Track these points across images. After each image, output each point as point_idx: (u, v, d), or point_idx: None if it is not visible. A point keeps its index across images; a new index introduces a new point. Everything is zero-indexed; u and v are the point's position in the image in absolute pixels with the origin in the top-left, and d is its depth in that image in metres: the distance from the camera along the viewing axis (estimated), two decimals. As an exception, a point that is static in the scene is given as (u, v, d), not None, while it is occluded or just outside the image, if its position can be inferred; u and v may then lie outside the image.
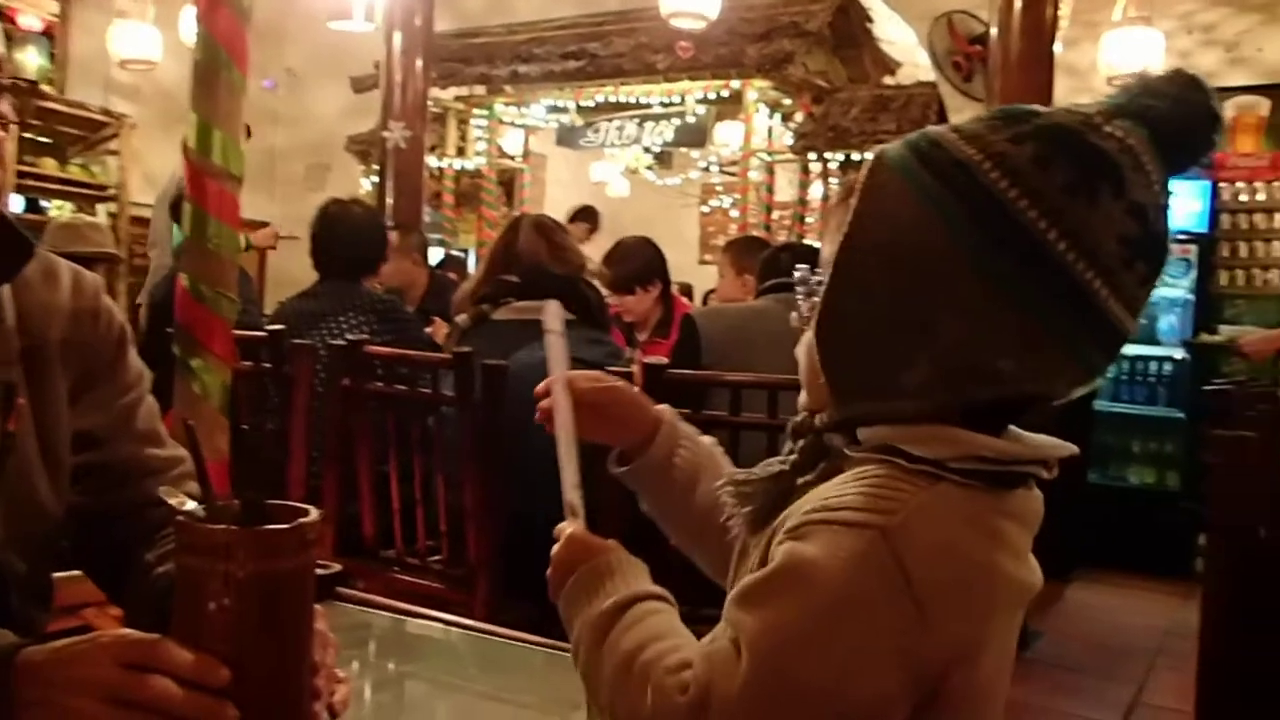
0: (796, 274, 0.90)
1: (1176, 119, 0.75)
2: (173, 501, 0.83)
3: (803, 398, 0.87)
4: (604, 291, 2.90)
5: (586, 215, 6.98)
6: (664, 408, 1.07)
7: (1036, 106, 0.77)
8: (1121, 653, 3.90)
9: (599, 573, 0.83)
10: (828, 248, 0.83)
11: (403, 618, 1.34)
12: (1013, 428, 0.80)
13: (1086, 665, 3.74)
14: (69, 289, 1.11)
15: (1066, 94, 4.40)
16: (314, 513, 0.82)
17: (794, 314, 0.90)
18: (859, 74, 6.60)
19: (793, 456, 0.83)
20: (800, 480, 0.82)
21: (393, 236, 4.15)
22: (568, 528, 0.88)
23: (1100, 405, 4.99)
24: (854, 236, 0.77)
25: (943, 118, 5.84)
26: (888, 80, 6.72)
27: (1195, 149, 0.76)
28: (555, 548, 0.87)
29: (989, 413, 0.76)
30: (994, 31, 3.81)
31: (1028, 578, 0.77)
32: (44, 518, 1.05)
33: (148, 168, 6.95)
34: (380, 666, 1.26)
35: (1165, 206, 0.75)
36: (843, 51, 6.55)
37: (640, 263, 3.65)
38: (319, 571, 1.04)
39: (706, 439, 1.08)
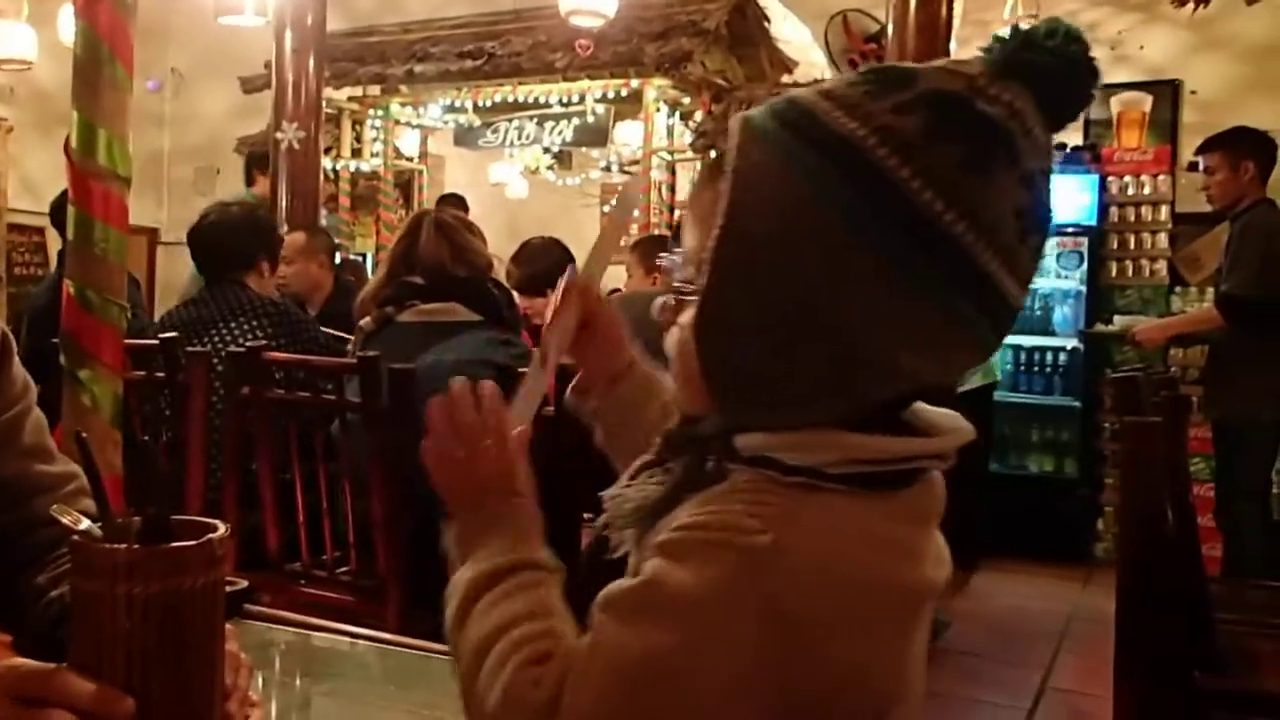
0: (661, 260, 0.86)
1: (1058, 75, 0.70)
2: (66, 520, 0.78)
3: (678, 399, 0.81)
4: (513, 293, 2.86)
5: (454, 203, 6.74)
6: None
7: (909, 65, 0.71)
8: (1027, 638, 4.01)
9: (491, 523, 0.78)
10: (693, 237, 0.76)
11: (312, 632, 1.29)
12: (919, 407, 0.75)
13: (993, 652, 3.84)
14: None
15: (960, 91, 4.50)
16: (222, 527, 0.78)
17: (656, 302, 0.81)
18: (757, 73, 6.67)
19: (672, 474, 0.75)
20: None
21: (299, 238, 4.06)
22: (516, 430, 0.82)
23: (999, 396, 5.13)
24: (732, 224, 0.69)
25: (840, 115, 5.93)
26: (785, 79, 6.80)
27: (1077, 105, 0.72)
28: (485, 440, 0.80)
29: (881, 407, 0.71)
30: (890, 29, 3.88)
31: (926, 577, 0.72)
32: None
33: (26, 173, 6.67)
34: (291, 685, 1.21)
35: (1050, 170, 0.71)
36: (740, 50, 6.60)
37: (549, 263, 3.61)
38: (227, 589, 1.00)
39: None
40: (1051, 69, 0.70)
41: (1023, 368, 5.41)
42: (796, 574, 0.65)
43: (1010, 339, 5.23)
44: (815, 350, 0.68)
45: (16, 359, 1.11)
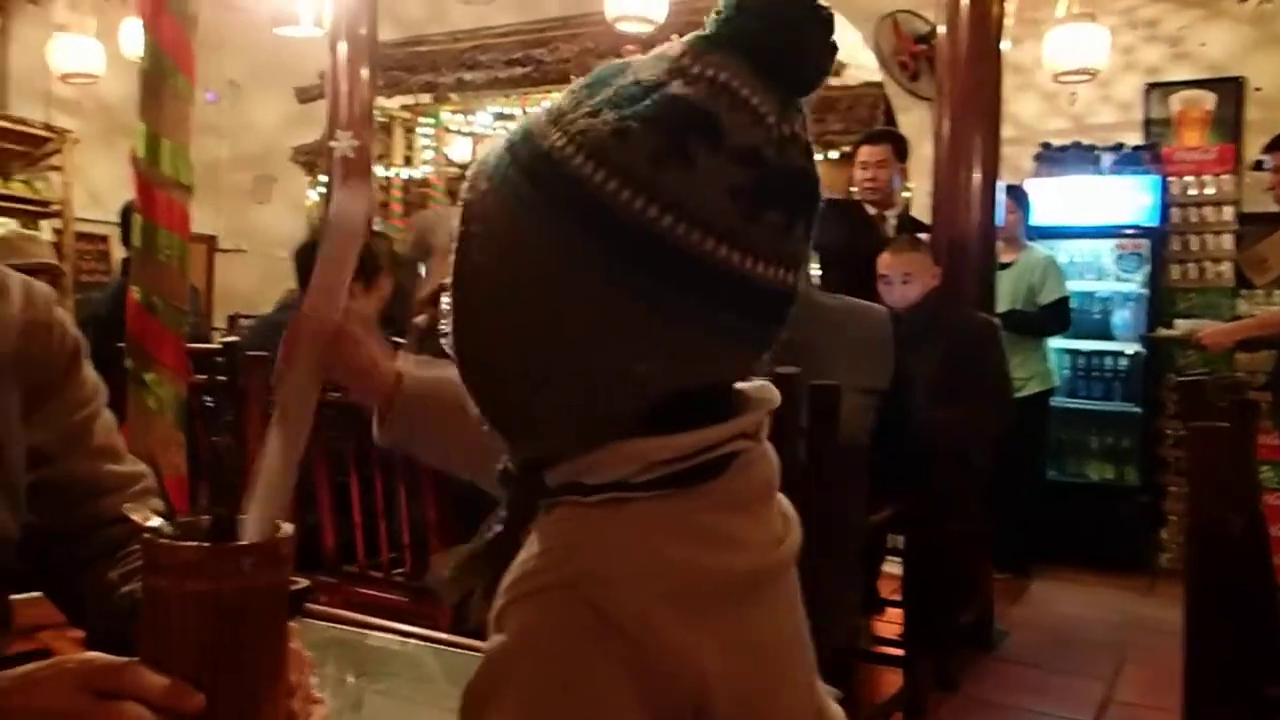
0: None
1: (778, 37, 0.64)
2: (137, 518, 0.80)
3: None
4: None
5: None
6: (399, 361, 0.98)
7: (627, 60, 0.67)
8: (1087, 649, 3.93)
9: None
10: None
11: (367, 632, 1.31)
12: (742, 387, 0.71)
13: (1053, 662, 3.76)
14: (20, 302, 1.07)
15: (1010, 92, 4.44)
16: (287, 527, 0.79)
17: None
18: (806, 77, 6.63)
19: (503, 513, 0.72)
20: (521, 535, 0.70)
21: None
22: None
23: (1057, 402, 5.05)
24: (459, 264, 0.68)
25: (889, 118, 5.89)
26: (834, 81, 6.76)
27: (808, 67, 0.66)
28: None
29: (683, 410, 0.66)
30: (941, 30, 3.84)
31: (754, 560, 0.68)
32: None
33: (90, 183, 6.83)
34: (347, 683, 1.23)
35: (790, 137, 0.65)
36: (790, 54, 6.57)
37: None
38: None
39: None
40: (769, 34, 0.64)
41: (1081, 373, 5.31)
42: (614, 593, 0.62)
43: (1069, 343, 5.21)
44: (553, 375, 0.65)
45: (88, 362, 1.14)
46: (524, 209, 0.64)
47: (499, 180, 0.66)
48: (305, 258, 3.14)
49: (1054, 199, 5.29)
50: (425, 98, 7.38)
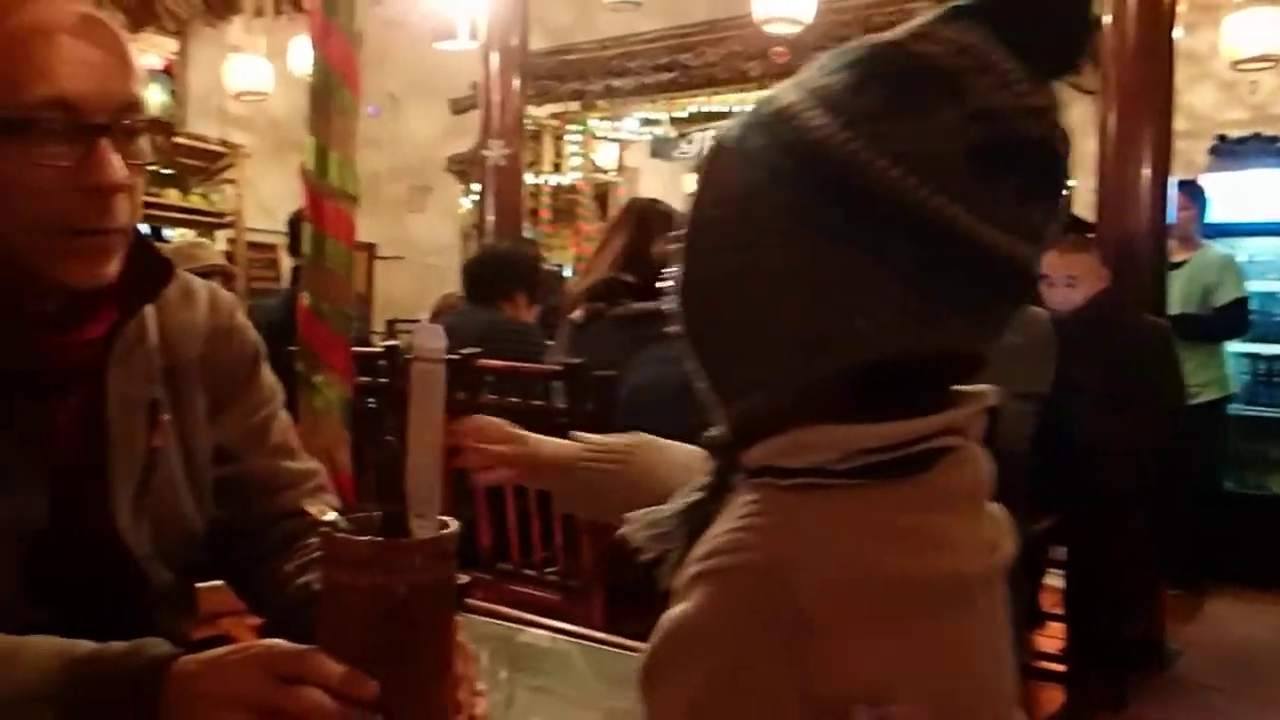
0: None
1: (1027, 8, 0.64)
2: (314, 513, 0.83)
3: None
4: None
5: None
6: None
7: (873, 36, 0.67)
8: (1268, 672, 3.69)
9: None
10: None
11: (521, 628, 1.33)
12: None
13: (1231, 686, 3.54)
14: (206, 308, 1.14)
15: (1186, 81, 4.24)
16: (453, 524, 0.81)
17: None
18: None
19: (706, 481, 0.72)
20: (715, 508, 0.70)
21: None
22: None
23: (1235, 409, 4.77)
24: (693, 221, 0.69)
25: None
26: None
27: (1061, 41, 0.65)
28: None
29: (896, 393, 0.65)
30: (1107, 20, 3.68)
31: (959, 567, 0.65)
32: (187, 530, 1.08)
33: (261, 194, 7.19)
34: (500, 677, 1.25)
35: (1040, 110, 0.63)
36: (943, 49, 6.42)
37: None
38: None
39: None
40: (1013, 4, 0.63)
41: (1262, 379, 5.00)
42: (806, 584, 0.61)
43: (1248, 347, 4.92)
44: (774, 326, 0.65)
45: (266, 365, 1.21)
46: (756, 162, 0.65)
47: (734, 140, 0.67)
48: (473, 269, 3.26)
49: (1231, 194, 5.00)
50: (574, 105, 7.50)
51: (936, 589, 0.64)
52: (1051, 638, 3.38)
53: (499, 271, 3.24)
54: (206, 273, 4.29)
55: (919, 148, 0.61)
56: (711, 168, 0.69)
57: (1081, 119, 4.98)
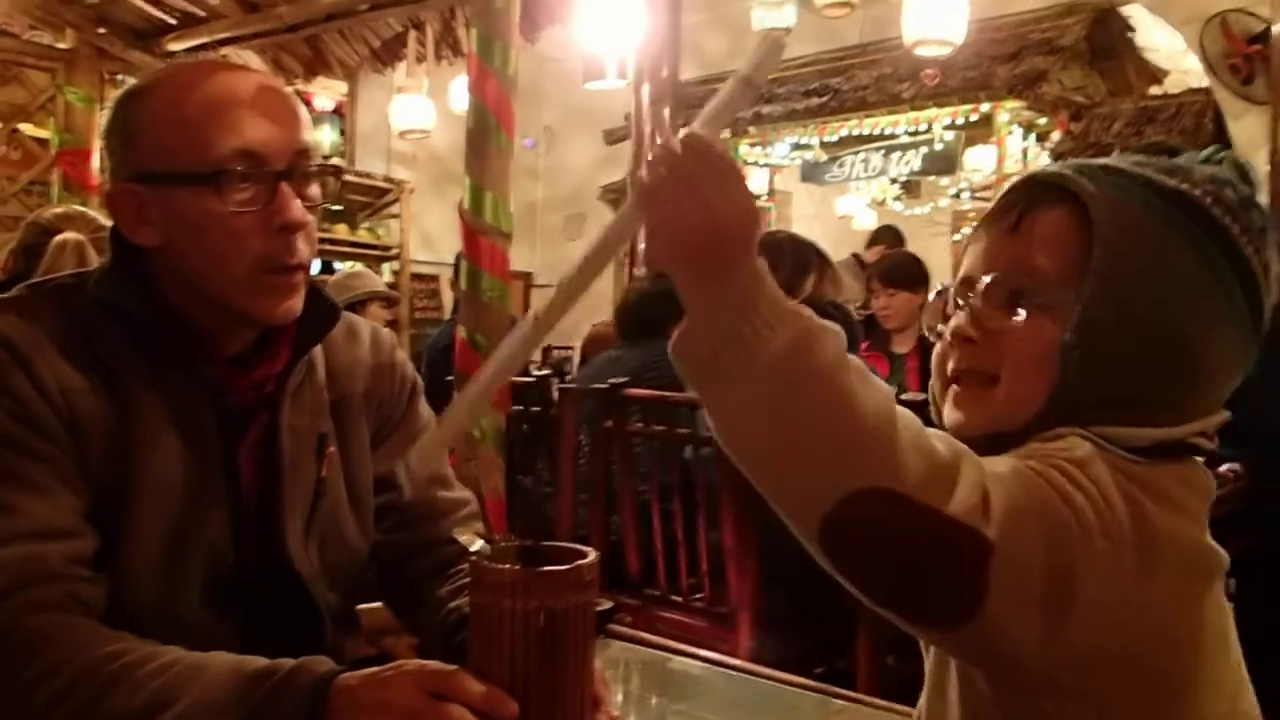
0: (939, 290, 0.90)
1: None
2: (463, 540, 0.90)
3: (961, 417, 0.84)
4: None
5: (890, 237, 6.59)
6: None
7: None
8: None
9: (760, 279, 0.69)
10: (1013, 255, 0.84)
11: (668, 655, 1.36)
12: None
13: None
14: (369, 345, 1.23)
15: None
16: (592, 554, 0.86)
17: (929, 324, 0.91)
18: (1121, 86, 6.24)
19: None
20: None
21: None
22: None
23: None
24: (1106, 255, 0.79)
25: (1219, 125, 5.41)
26: (1154, 90, 6.31)
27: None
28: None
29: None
30: (1276, 29, 3.50)
31: (1202, 540, 0.78)
32: (352, 554, 1.16)
33: (424, 228, 7.51)
34: (648, 704, 1.29)
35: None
36: (1101, 64, 6.21)
37: (915, 265, 3.83)
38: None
39: None
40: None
41: None
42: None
43: None
44: (1172, 369, 0.79)
45: (423, 398, 1.29)
46: (1164, 223, 0.80)
47: (1123, 194, 0.81)
48: (626, 315, 3.26)
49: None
50: (725, 133, 7.55)
51: (1186, 549, 0.76)
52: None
53: (651, 310, 3.22)
54: (366, 299, 4.51)
55: (1270, 262, 0.82)
56: (1108, 213, 0.80)
57: (1255, 132, 4.73)
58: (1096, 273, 0.79)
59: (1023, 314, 0.82)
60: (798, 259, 2.86)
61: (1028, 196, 0.85)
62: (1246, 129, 5.04)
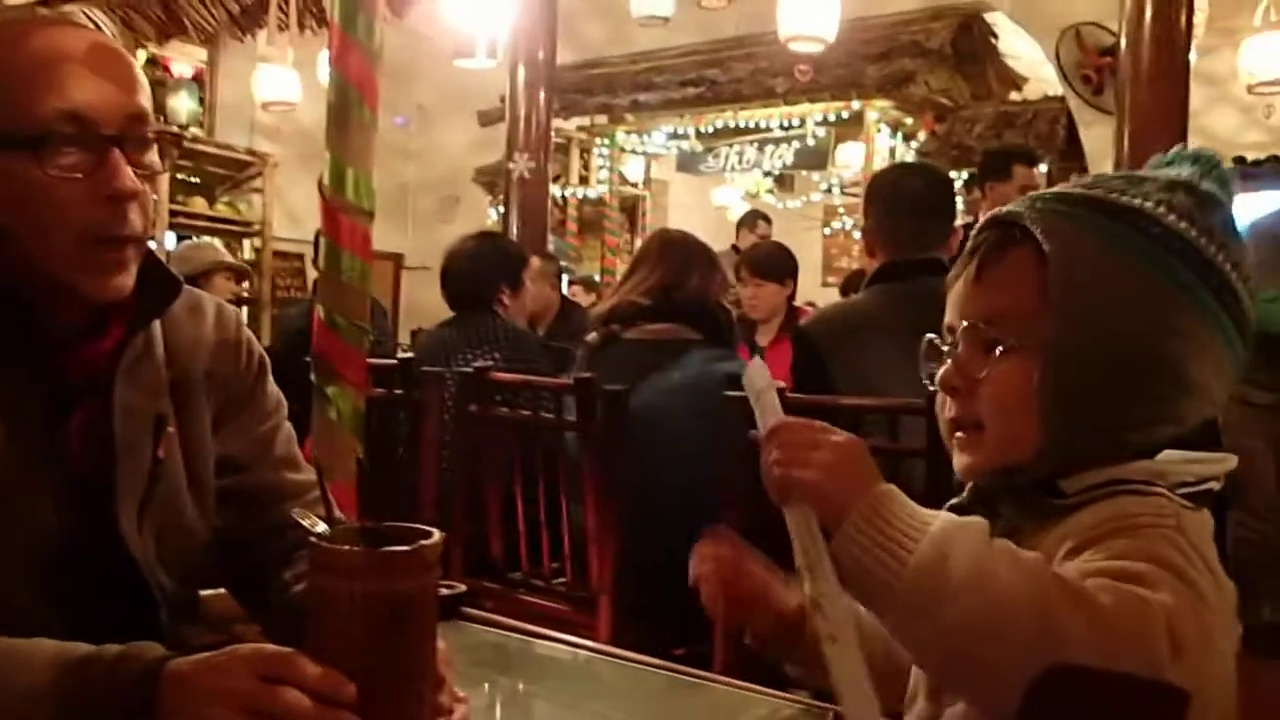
0: (927, 340, 0.91)
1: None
2: (305, 523, 0.88)
3: (967, 461, 0.88)
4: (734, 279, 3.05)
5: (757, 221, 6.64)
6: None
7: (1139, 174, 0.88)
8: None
9: (889, 494, 0.76)
10: (985, 301, 0.87)
11: (526, 638, 1.36)
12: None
13: None
14: (212, 322, 1.18)
15: (1205, 104, 4.24)
16: (436, 535, 0.85)
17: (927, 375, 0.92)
18: (983, 90, 6.48)
19: (1001, 518, 0.84)
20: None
21: (534, 263, 4.29)
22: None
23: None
24: (1065, 286, 0.82)
25: (1071, 132, 5.67)
26: (1013, 96, 6.58)
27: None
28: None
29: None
30: (1124, 43, 3.69)
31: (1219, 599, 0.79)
32: (191, 539, 1.12)
33: (290, 204, 7.29)
34: (503, 686, 1.28)
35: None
36: (966, 68, 6.44)
37: (784, 256, 3.86)
38: (443, 592, 1.08)
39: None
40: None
41: None
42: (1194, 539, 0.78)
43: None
44: (1153, 387, 0.81)
45: (271, 378, 1.25)
46: (1123, 245, 0.82)
47: (1081, 223, 0.83)
48: (452, 282, 3.17)
49: (1249, 217, 4.96)
50: (601, 119, 7.56)
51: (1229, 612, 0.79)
52: None
53: (473, 270, 3.10)
54: (210, 270, 4.34)
55: (1242, 260, 0.83)
56: (1066, 246, 0.82)
57: (1105, 140, 4.98)
58: (1055, 308, 0.81)
59: (999, 358, 0.85)
60: (686, 257, 2.84)
61: (990, 239, 0.88)
62: (1097, 138, 5.30)
